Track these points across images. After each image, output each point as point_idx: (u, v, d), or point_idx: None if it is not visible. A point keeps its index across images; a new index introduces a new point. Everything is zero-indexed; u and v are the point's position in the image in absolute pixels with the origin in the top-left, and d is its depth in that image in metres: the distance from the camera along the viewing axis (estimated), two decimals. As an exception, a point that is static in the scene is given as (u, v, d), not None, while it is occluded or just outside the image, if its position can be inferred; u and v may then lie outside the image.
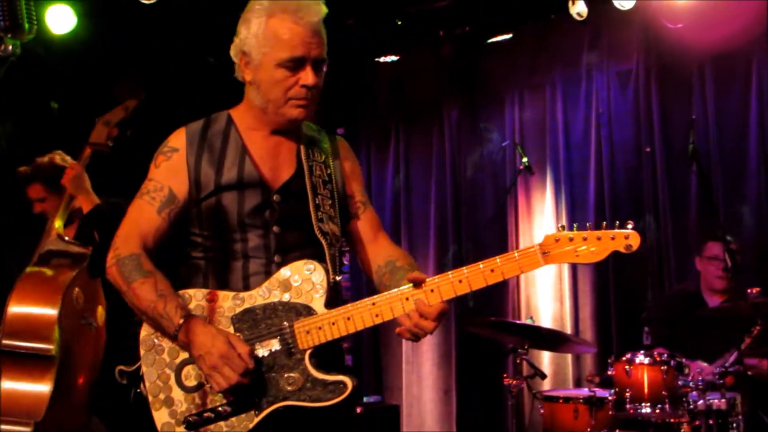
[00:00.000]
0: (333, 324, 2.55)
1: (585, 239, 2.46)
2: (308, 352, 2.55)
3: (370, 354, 8.04)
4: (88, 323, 4.10)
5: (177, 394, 2.59)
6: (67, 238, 4.27)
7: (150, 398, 2.61)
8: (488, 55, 7.41)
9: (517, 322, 5.61)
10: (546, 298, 7.20)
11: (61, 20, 6.09)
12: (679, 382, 4.86)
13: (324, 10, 2.71)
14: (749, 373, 4.94)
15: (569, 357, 6.91)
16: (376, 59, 7.76)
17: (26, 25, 2.13)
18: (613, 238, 2.45)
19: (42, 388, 3.80)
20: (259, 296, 2.61)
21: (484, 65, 7.53)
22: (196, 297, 2.63)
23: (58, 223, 4.31)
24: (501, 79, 7.54)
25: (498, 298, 7.39)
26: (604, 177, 6.98)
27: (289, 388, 2.53)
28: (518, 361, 5.43)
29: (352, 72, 7.88)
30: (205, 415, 2.53)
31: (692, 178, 6.58)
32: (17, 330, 3.81)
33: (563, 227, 2.49)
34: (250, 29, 2.68)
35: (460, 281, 2.51)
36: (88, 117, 4.53)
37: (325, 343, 2.55)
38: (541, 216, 7.30)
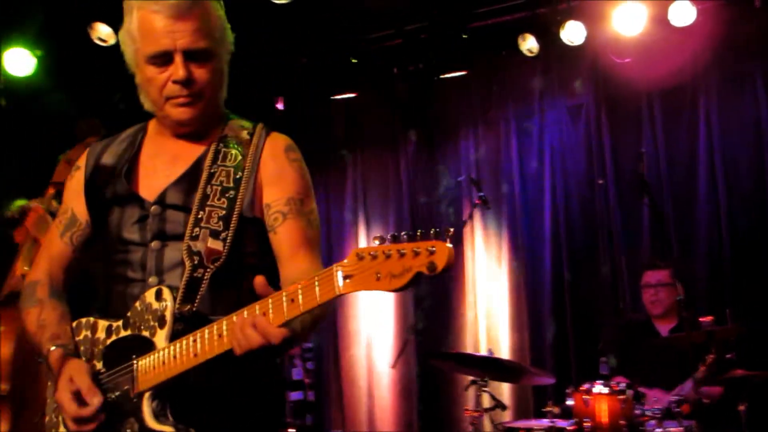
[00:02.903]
0: (175, 358, 2.15)
1: (388, 257, 1.82)
2: (146, 395, 2.21)
3: (334, 389, 8.03)
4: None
5: (63, 430, 2.36)
6: None
7: None
8: (442, 91, 7.52)
9: (477, 354, 5.65)
10: (505, 328, 7.27)
11: (19, 63, 6.09)
12: (637, 411, 4.93)
13: None
14: (704, 401, 5.03)
15: (529, 388, 6.97)
16: (332, 97, 7.83)
17: None
18: (417, 254, 1.79)
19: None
20: (124, 327, 2.31)
21: (439, 101, 7.63)
22: (85, 326, 2.40)
23: (23, 265, 4.30)
24: (455, 115, 7.65)
25: (458, 329, 7.45)
26: (558, 209, 7.10)
27: None
28: (479, 393, 5.47)
29: (309, 109, 7.96)
30: None
31: (644, 208, 6.72)
32: None
33: (379, 239, 1.87)
34: (124, 26, 2.38)
35: (264, 314, 2.01)
36: (50, 157, 4.50)
37: (165, 381, 2.18)
38: (498, 249, 7.38)
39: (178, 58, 2.28)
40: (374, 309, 7.81)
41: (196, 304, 2.26)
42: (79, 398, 2.24)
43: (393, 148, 7.89)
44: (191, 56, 2.29)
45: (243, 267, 2.36)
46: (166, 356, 2.17)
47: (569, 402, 5.12)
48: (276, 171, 2.42)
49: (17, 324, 3.99)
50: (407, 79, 7.44)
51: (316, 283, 1.92)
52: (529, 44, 6.71)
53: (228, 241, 2.31)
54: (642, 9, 6.29)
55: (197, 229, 2.31)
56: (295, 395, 8.01)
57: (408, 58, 7.29)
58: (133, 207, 2.39)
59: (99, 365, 2.32)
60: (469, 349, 7.24)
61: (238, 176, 2.37)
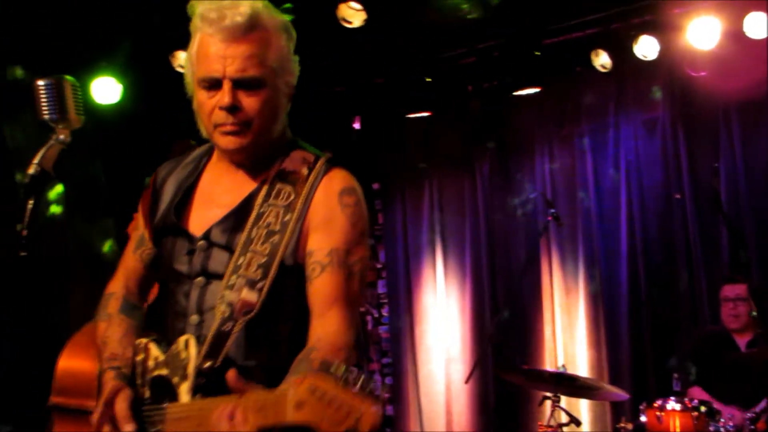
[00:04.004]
0: (189, 418, 2.11)
1: (329, 403, 1.73)
2: None
3: (413, 403, 8.11)
4: None
5: None
6: None
7: None
8: (516, 108, 7.55)
9: (549, 370, 5.66)
10: (582, 345, 7.25)
11: (106, 92, 6.32)
12: (711, 428, 4.90)
13: (259, 10, 2.23)
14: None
15: (607, 404, 6.94)
16: (408, 115, 7.95)
17: (75, 116, 2.26)
18: (348, 414, 1.73)
19: None
20: (164, 364, 2.27)
21: (513, 118, 7.67)
22: (142, 349, 2.38)
23: None
24: (530, 131, 7.67)
25: (536, 345, 7.46)
26: (635, 224, 7.06)
27: None
28: (554, 408, 5.47)
29: (385, 128, 8.10)
30: None
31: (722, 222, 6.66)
32: (67, 387, 3.96)
33: (336, 370, 1.79)
34: (188, 49, 2.33)
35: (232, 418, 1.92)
36: (137, 185, 4.69)
37: None
38: (574, 264, 7.37)
39: (226, 85, 2.20)
40: (451, 324, 7.89)
41: (219, 361, 2.20)
42: (114, 423, 2.24)
43: (468, 165, 7.95)
44: (241, 83, 2.21)
45: (280, 314, 2.29)
46: (188, 412, 2.13)
47: (642, 418, 5.11)
48: (325, 217, 2.28)
49: None
50: (481, 97, 7.52)
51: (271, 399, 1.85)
52: (602, 60, 6.71)
53: (264, 291, 2.23)
54: (716, 22, 6.24)
55: (234, 276, 2.25)
56: (374, 410, 8.11)
57: (482, 76, 7.37)
58: (183, 239, 2.37)
59: (147, 393, 2.31)
60: (546, 365, 7.24)
61: (286, 218, 2.27)
